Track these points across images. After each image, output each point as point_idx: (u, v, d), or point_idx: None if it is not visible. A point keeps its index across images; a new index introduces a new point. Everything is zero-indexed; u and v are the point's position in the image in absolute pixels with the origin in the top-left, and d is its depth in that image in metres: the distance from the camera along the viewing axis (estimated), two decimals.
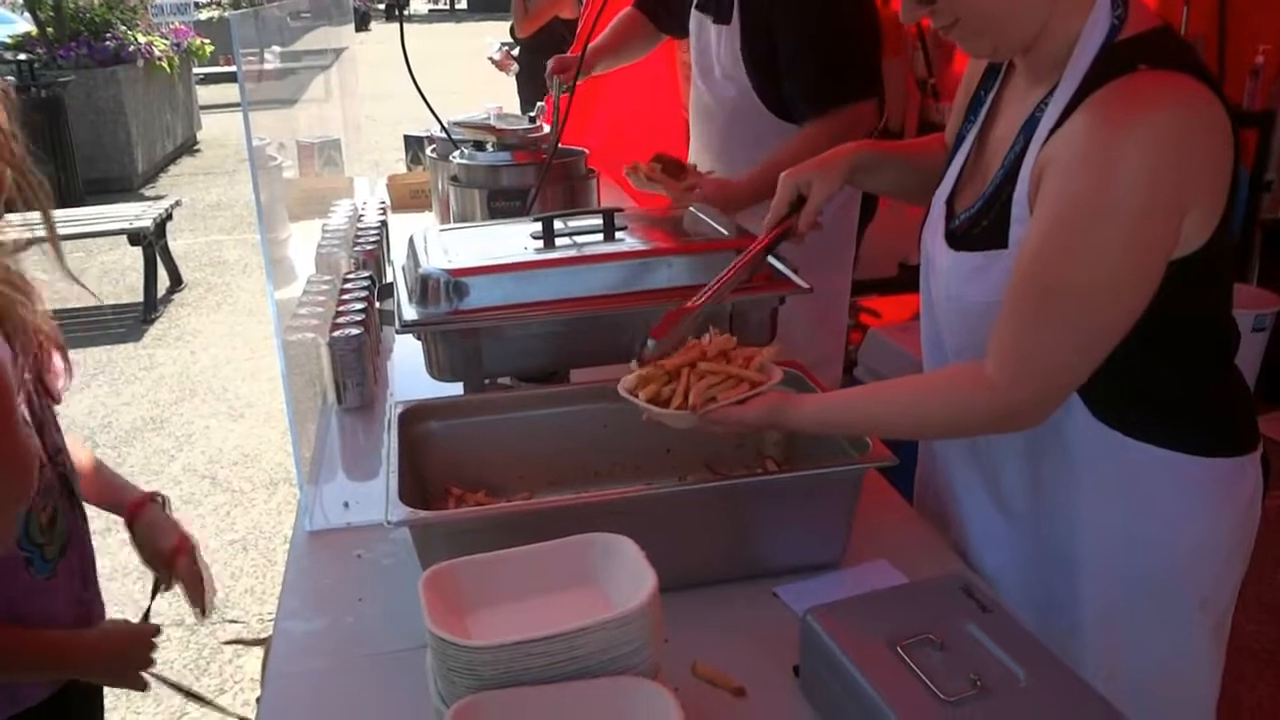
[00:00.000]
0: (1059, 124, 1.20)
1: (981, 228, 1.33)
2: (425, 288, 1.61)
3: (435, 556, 1.19)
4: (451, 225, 1.84)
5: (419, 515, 1.22)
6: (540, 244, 1.74)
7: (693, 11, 2.52)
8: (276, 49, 2.93)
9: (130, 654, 1.48)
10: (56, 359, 1.37)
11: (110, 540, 3.54)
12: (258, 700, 2.01)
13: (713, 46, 2.47)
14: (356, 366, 1.90)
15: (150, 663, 1.50)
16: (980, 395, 1.22)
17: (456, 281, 1.60)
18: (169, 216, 6.41)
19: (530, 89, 5.49)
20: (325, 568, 1.47)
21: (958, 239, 1.36)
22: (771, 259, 1.76)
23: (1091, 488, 1.35)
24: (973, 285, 1.32)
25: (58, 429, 1.40)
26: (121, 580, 3.26)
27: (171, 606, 3.16)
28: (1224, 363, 1.36)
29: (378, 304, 2.09)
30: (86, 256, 6.92)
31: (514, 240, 1.76)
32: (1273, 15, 4.15)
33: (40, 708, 1.36)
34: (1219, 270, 1.29)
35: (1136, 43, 1.19)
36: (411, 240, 1.81)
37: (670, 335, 1.35)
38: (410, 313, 1.61)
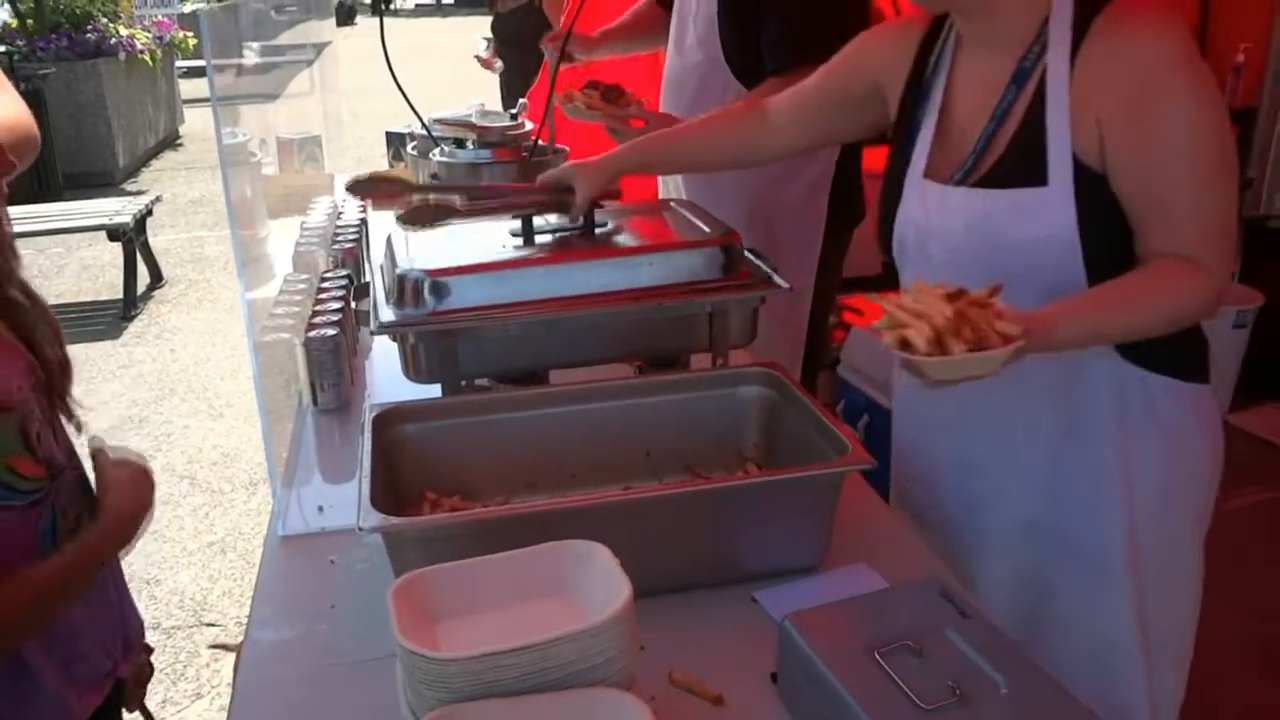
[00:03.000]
0: (1074, 52, 1.34)
1: (1008, 166, 1.41)
2: (403, 288, 1.58)
3: (408, 563, 1.18)
4: (424, 233, 1.82)
5: (391, 522, 1.20)
6: (520, 241, 1.72)
7: None
8: (257, 44, 2.90)
9: (139, 511, 1.35)
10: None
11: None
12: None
13: (691, 10, 2.45)
14: (333, 367, 1.87)
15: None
16: (1206, 284, 1.32)
17: (435, 281, 1.57)
18: (149, 212, 6.35)
19: (512, 86, 5.46)
20: (298, 573, 1.44)
21: (988, 179, 1.43)
22: (751, 256, 1.76)
23: (1118, 427, 1.46)
24: (1016, 223, 1.39)
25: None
26: None
27: (148, 610, 3.15)
28: None
29: (354, 304, 2.06)
30: (65, 252, 6.87)
31: (493, 238, 1.74)
32: (1253, 14, 4.16)
33: None
34: None
35: None
36: (389, 239, 1.77)
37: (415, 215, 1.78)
38: (387, 313, 1.58)
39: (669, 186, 2.73)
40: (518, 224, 1.74)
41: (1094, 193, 1.35)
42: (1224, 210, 1.33)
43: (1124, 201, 1.35)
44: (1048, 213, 1.35)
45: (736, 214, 2.38)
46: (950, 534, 1.64)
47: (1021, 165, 1.38)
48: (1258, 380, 4.07)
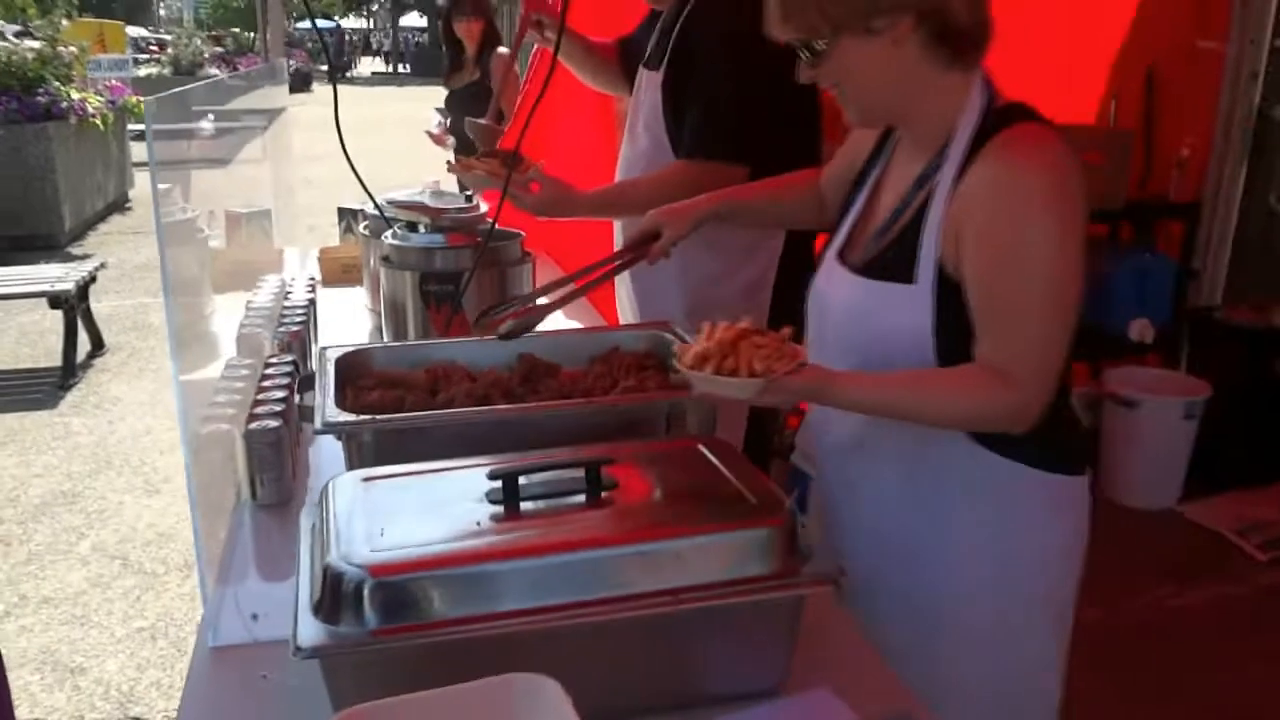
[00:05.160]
0: (962, 172, 1.46)
1: (889, 261, 1.55)
2: (334, 592, 1.14)
3: (345, 689, 1.11)
4: (377, 473, 1.39)
5: (328, 644, 1.12)
6: (499, 509, 1.29)
7: (639, 69, 2.57)
8: (210, 108, 2.85)
9: None
10: None
11: (8, 626, 3.36)
12: None
13: (641, 96, 2.53)
14: (274, 461, 1.80)
15: None
16: (1002, 392, 1.44)
17: (379, 585, 1.13)
18: (93, 279, 6.22)
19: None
20: (227, 691, 1.35)
21: (868, 269, 1.59)
22: None
23: (964, 501, 1.59)
24: (881, 314, 1.55)
25: None
26: (18, 671, 3.07)
27: (70, 701, 3.00)
28: (1061, 393, 1.56)
29: (299, 396, 1.98)
30: (4, 317, 6.70)
31: (461, 498, 1.32)
32: (1197, 111, 4.27)
33: None
34: None
35: (1006, 109, 1.50)
36: (328, 491, 1.37)
37: (515, 326, 1.74)
38: (312, 632, 1.13)
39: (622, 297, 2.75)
40: (487, 481, 1.32)
41: (951, 297, 1.47)
42: (1046, 336, 1.44)
43: (970, 308, 1.47)
44: (909, 308, 1.50)
45: (676, 308, 2.40)
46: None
47: (900, 262, 1.52)
48: (1207, 471, 4.09)
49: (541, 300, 2.00)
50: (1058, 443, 1.60)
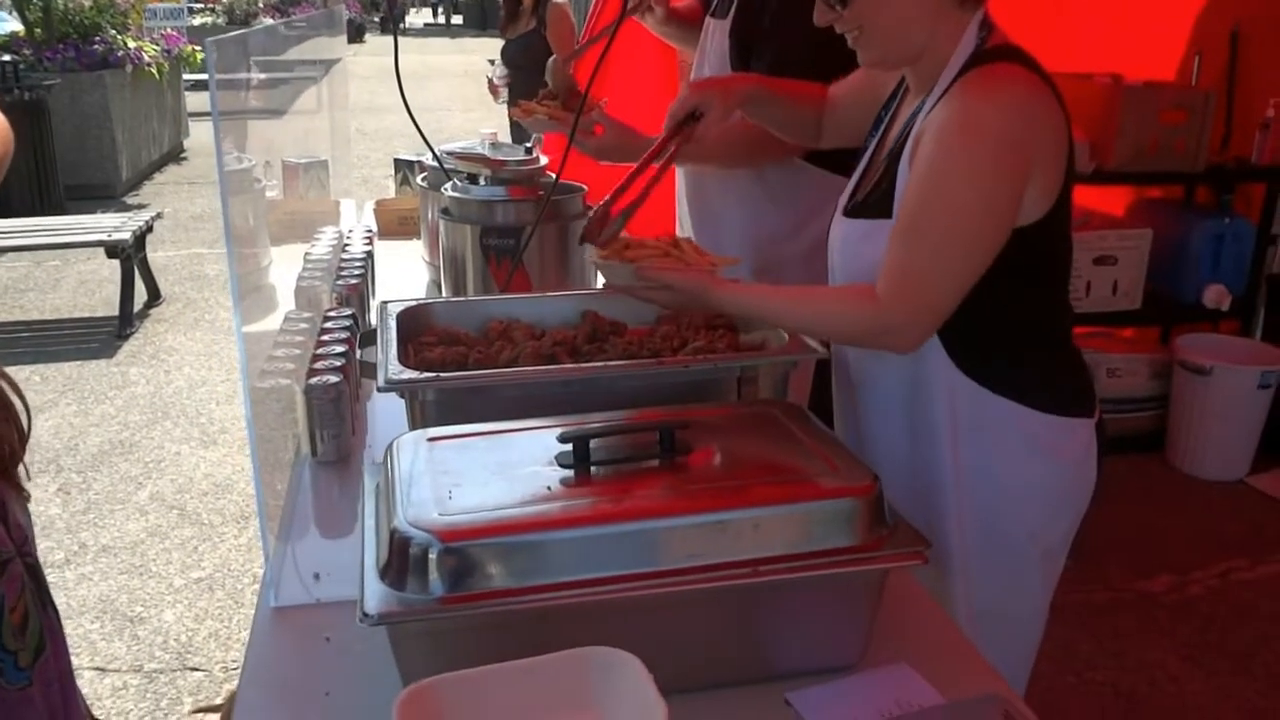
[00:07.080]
0: (933, 109, 1.49)
1: (873, 199, 1.61)
2: (401, 557, 1.10)
3: (413, 655, 1.07)
4: (442, 433, 1.35)
5: (396, 611, 1.08)
6: (569, 474, 1.24)
7: (706, 17, 2.51)
8: (265, 58, 2.81)
9: None
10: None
11: (68, 574, 3.40)
12: None
13: (707, 45, 2.45)
14: (334, 417, 1.76)
15: None
16: (867, 307, 1.49)
17: (448, 551, 1.08)
18: (149, 229, 6.25)
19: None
20: (289, 652, 1.32)
21: (855, 209, 1.67)
22: None
23: (951, 430, 1.61)
24: (866, 247, 1.58)
25: (25, 512, 1.24)
26: (78, 619, 3.10)
27: (129, 651, 3.03)
28: (1058, 337, 1.67)
29: (359, 352, 1.95)
30: (63, 265, 6.76)
31: (530, 462, 1.26)
32: None
33: None
34: (1054, 250, 1.58)
35: (992, 50, 1.50)
36: (390, 453, 1.32)
37: (601, 235, 1.68)
38: (380, 598, 1.09)
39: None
40: (555, 443, 1.28)
41: None
42: (932, 263, 1.46)
43: None
44: (885, 241, 1.51)
45: (744, 266, 2.34)
46: None
47: (882, 199, 1.56)
48: None
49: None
50: (1055, 384, 1.64)
